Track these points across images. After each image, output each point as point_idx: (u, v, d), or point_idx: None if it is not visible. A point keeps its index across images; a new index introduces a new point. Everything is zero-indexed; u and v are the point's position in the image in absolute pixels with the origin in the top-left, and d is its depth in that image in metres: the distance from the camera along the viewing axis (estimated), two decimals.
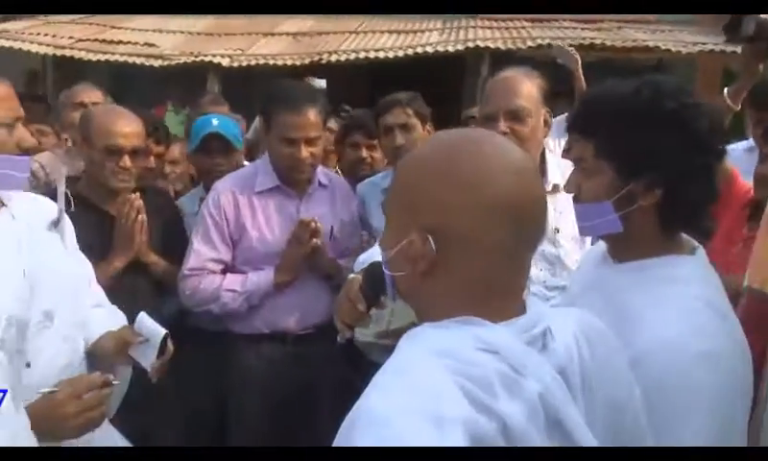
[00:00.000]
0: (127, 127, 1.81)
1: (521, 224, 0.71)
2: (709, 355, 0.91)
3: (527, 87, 1.59)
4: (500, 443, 0.62)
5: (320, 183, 2.00)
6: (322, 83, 5.16)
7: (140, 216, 1.79)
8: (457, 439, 0.59)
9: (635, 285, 1.02)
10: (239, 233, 1.93)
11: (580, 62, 2.91)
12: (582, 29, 6.65)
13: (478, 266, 0.71)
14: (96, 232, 1.79)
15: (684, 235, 1.06)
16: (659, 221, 1.02)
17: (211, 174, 2.25)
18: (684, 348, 0.91)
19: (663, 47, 5.77)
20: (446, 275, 0.72)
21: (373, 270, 1.14)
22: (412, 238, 0.72)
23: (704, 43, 5.84)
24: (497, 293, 0.73)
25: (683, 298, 0.97)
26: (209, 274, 1.91)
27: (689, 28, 6.91)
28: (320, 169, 2.05)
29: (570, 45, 6.05)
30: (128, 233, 1.79)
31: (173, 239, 2.01)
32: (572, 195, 1.10)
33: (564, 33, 6.47)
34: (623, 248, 1.07)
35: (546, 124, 1.66)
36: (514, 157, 0.73)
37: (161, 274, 1.96)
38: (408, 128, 2.12)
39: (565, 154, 1.68)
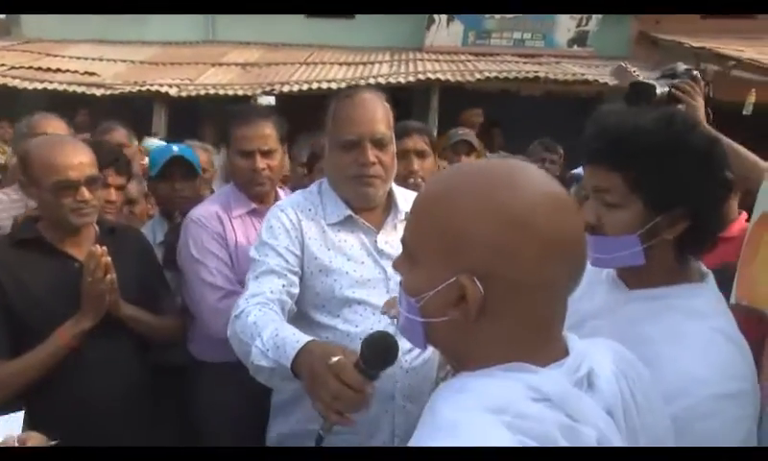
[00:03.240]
0: (76, 156, 1.59)
1: (570, 259, 0.68)
2: (736, 396, 0.92)
3: (386, 112, 1.48)
4: None
5: None
6: (270, 99, 5.13)
7: (108, 276, 1.56)
8: None
9: (650, 316, 1.01)
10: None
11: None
12: (524, 63, 6.97)
13: (527, 307, 0.67)
14: (61, 280, 1.60)
15: (693, 260, 1.07)
16: (676, 251, 1.02)
17: (173, 201, 2.17)
18: (711, 388, 0.91)
19: (602, 80, 6.13)
20: (492, 318, 0.67)
21: (376, 341, 1.01)
22: (458, 281, 0.66)
23: (638, 75, 6.23)
24: (544, 334, 0.70)
25: (702, 333, 0.97)
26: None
27: (623, 62, 7.41)
28: (283, 192, 2.04)
29: (516, 78, 6.39)
30: (96, 292, 1.57)
31: (152, 283, 1.82)
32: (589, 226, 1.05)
33: (509, 66, 6.74)
34: (637, 276, 1.06)
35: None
36: (557, 191, 0.69)
37: (144, 327, 1.74)
38: (424, 155, 2.17)
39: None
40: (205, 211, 1.89)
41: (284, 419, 1.52)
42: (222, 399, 1.84)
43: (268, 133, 1.89)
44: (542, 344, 0.69)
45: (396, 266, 0.78)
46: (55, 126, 2.32)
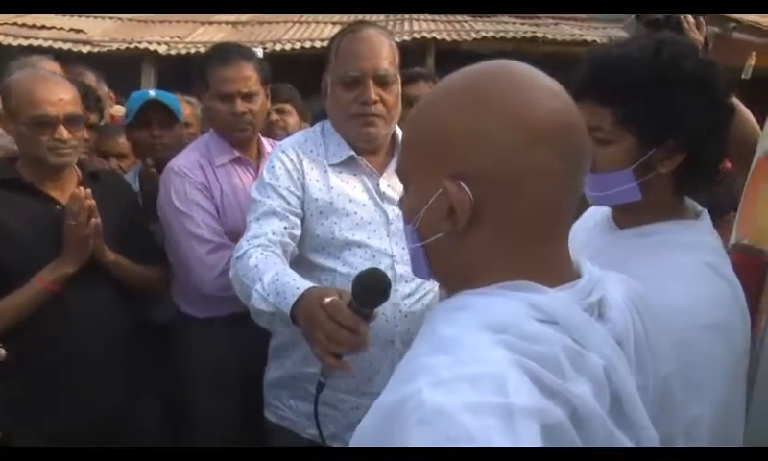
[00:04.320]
0: (56, 93, 1.53)
1: (560, 142, 0.61)
2: (721, 326, 0.90)
3: (391, 49, 1.43)
4: (569, 430, 0.55)
5: (268, 153, 1.85)
6: (258, 51, 4.98)
7: (93, 220, 1.52)
8: (530, 432, 0.51)
9: (637, 253, 0.98)
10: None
11: None
12: (521, 24, 6.83)
13: (523, 208, 0.61)
14: (42, 223, 1.55)
15: (688, 199, 1.04)
16: (673, 186, 0.99)
17: (152, 149, 2.07)
18: (695, 318, 0.89)
19: (600, 42, 6.01)
20: (489, 227, 0.62)
21: (366, 278, 0.99)
22: (444, 187, 0.61)
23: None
24: (548, 246, 0.64)
25: (687, 265, 0.94)
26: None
27: (618, 25, 7.27)
28: (266, 141, 1.95)
29: (513, 38, 6.26)
30: (79, 237, 1.52)
31: (136, 232, 1.76)
32: None
33: (506, 27, 6.61)
34: (633, 214, 1.03)
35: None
36: (547, 79, 0.64)
37: (128, 275, 1.70)
38: None
39: None
40: (186, 161, 1.79)
41: (280, 362, 1.51)
42: (211, 354, 1.80)
43: (248, 74, 1.78)
44: (548, 259, 0.64)
45: (400, 204, 0.73)
46: (50, 67, 2.19)
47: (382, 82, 1.39)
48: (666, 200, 1.00)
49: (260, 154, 1.90)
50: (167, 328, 1.89)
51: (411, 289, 1.40)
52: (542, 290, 0.61)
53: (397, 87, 1.44)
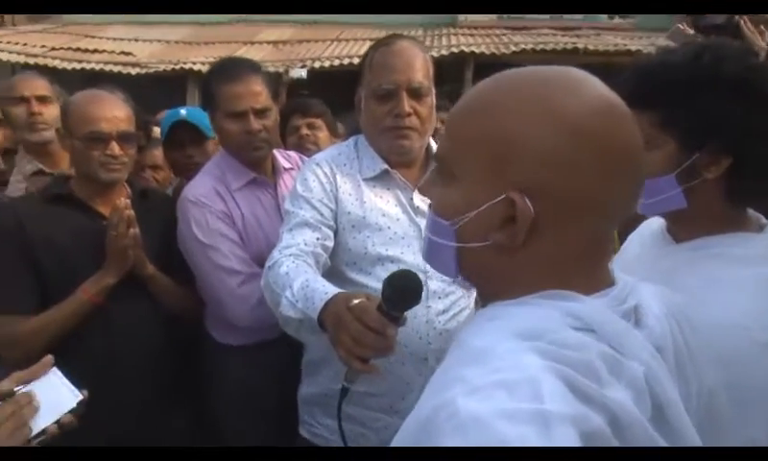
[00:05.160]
0: (111, 110, 1.60)
1: (629, 174, 0.60)
2: None
3: (425, 62, 1.41)
4: (609, 438, 0.52)
5: (284, 168, 1.82)
6: (302, 72, 5.04)
7: (132, 230, 1.55)
8: (568, 439, 0.49)
9: (688, 266, 0.94)
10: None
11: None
12: (562, 35, 6.73)
13: (579, 230, 0.59)
14: (89, 237, 1.58)
15: (753, 211, 1.00)
16: (725, 194, 0.95)
17: (186, 168, 2.08)
18: (749, 332, 0.84)
19: (645, 51, 5.86)
20: (539, 242, 0.59)
21: (397, 279, 0.95)
22: (507, 198, 0.58)
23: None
24: (592, 261, 0.62)
25: (742, 279, 0.89)
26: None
27: (663, 34, 7.08)
28: (279, 153, 1.87)
29: (553, 50, 6.17)
30: (119, 246, 1.55)
31: (176, 251, 1.74)
32: None
33: (545, 39, 6.53)
34: (686, 225, 0.99)
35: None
36: (615, 96, 0.61)
37: (161, 291, 1.69)
38: None
39: None
40: (203, 188, 1.68)
41: (313, 379, 1.48)
42: (245, 379, 1.74)
43: (259, 89, 1.68)
44: (589, 271, 0.62)
45: (423, 188, 0.70)
46: (34, 86, 2.22)
47: (416, 94, 1.37)
48: (718, 209, 0.96)
49: (275, 170, 1.82)
50: (194, 345, 1.85)
51: (445, 306, 1.37)
52: (578, 298, 0.59)
53: (431, 100, 1.42)
